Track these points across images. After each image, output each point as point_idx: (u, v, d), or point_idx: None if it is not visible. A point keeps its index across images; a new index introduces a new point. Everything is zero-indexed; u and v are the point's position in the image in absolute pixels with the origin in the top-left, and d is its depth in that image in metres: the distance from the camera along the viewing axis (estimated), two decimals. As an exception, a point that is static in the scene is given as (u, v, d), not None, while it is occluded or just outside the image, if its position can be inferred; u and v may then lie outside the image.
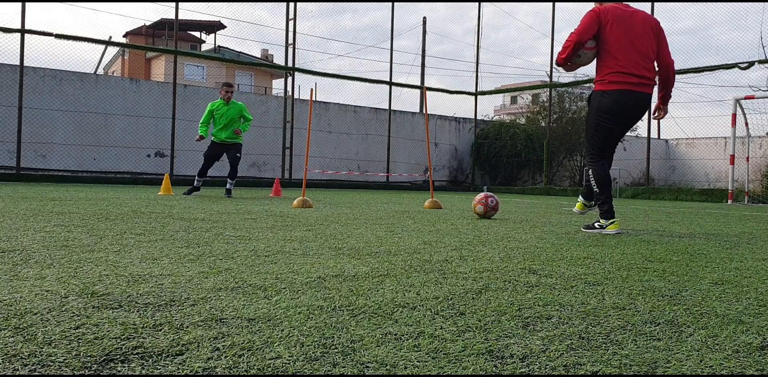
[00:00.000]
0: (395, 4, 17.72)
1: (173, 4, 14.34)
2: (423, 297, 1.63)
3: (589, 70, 22.32)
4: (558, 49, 4.46)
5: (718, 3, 17.76)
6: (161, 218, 4.01)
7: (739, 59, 14.06)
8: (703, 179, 22.18)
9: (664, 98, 4.21)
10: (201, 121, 8.38)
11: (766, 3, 15.05)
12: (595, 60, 4.08)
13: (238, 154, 8.50)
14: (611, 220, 3.98)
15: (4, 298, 1.46)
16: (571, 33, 3.97)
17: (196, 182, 8.64)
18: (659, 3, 15.29)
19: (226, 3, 23.34)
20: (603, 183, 4.06)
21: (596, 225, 4.04)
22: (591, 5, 4.21)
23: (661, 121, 24.80)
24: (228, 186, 8.50)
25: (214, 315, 1.36)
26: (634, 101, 3.96)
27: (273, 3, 20.82)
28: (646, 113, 4.23)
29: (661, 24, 4.09)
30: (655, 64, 4.07)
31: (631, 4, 4.29)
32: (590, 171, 4.10)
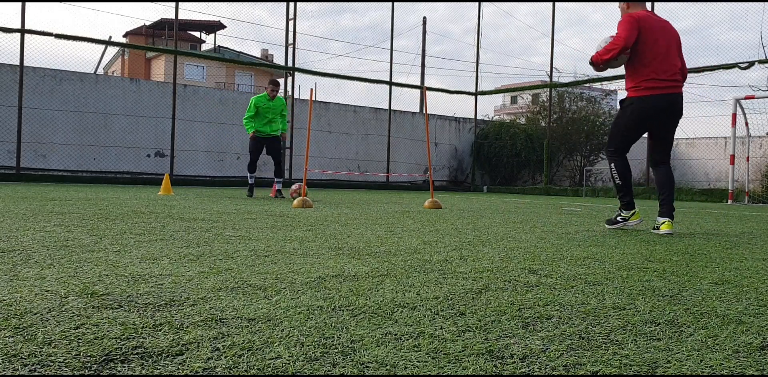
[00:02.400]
0: (395, 3, 17.73)
1: (173, 3, 14.34)
2: (423, 297, 1.63)
3: (589, 70, 22.28)
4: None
5: (718, 3, 17.77)
6: (161, 218, 4.01)
7: (739, 59, 14.06)
8: (703, 179, 22.17)
9: None
10: (247, 116, 8.32)
11: (766, 3, 15.05)
12: (625, 66, 4.24)
13: (281, 150, 8.30)
14: (632, 211, 4.32)
15: (4, 298, 1.46)
16: (617, 36, 4.09)
17: (250, 179, 8.65)
18: (659, 3, 15.29)
19: (225, 3, 23.35)
20: (626, 175, 4.36)
21: (618, 218, 4.36)
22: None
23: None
24: (277, 186, 8.55)
25: (214, 315, 1.36)
26: (667, 101, 4.15)
27: (273, 3, 20.81)
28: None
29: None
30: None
31: None
32: (612, 165, 4.39)
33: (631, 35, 4.05)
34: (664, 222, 4.08)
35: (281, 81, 13.82)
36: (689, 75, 15.05)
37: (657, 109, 4.15)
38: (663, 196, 4.25)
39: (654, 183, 4.90)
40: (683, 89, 4.29)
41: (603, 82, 18.28)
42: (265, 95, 8.35)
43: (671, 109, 4.17)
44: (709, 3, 18.23)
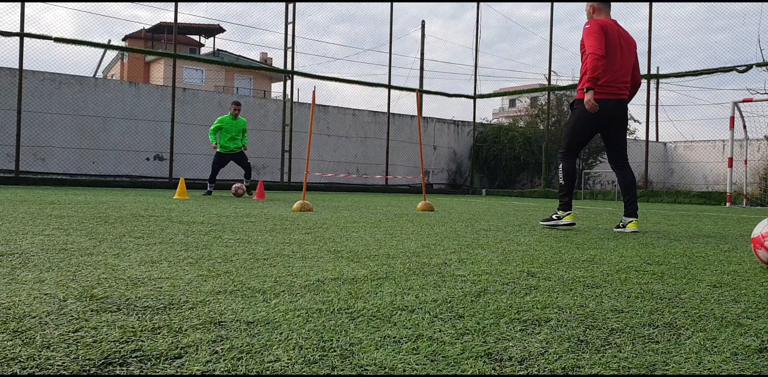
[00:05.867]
0: (394, 4, 17.76)
1: (172, 4, 14.36)
2: (422, 300, 1.63)
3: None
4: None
5: (718, 3, 17.81)
6: (160, 221, 4.00)
7: (737, 62, 14.09)
8: (701, 182, 22.19)
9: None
10: (211, 130, 9.83)
11: (764, 4, 15.09)
12: (581, 68, 4.43)
13: (248, 160, 10.13)
14: (567, 212, 4.46)
15: (2, 302, 1.46)
16: (589, 51, 4.25)
17: (209, 187, 9.95)
18: (658, 3, 15.33)
19: (225, 6, 23.37)
20: (571, 177, 4.54)
21: (553, 217, 4.50)
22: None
23: (659, 123, 24.81)
24: (246, 183, 9.90)
25: (213, 318, 1.36)
26: (612, 104, 4.37)
27: (273, 3, 20.80)
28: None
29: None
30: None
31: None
32: (561, 165, 4.56)
33: (600, 45, 4.25)
34: (630, 222, 4.33)
35: (280, 84, 13.81)
36: (687, 78, 15.10)
37: (604, 112, 4.35)
38: (628, 197, 4.47)
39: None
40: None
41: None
42: (230, 115, 9.80)
43: (616, 113, 4.39)
44: (708, 3, 18.28)
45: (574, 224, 4.43)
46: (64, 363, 1.02)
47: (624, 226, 4.33)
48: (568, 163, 4.54)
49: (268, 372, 1.01)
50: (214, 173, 9.94)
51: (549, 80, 18.37)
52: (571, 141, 4.52)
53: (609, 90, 4.33)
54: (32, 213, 4.29)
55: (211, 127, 9.83)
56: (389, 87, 17.86)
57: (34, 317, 1.32)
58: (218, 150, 9.83)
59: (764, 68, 14.21)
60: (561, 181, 4.54)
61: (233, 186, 9.45)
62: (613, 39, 4.32)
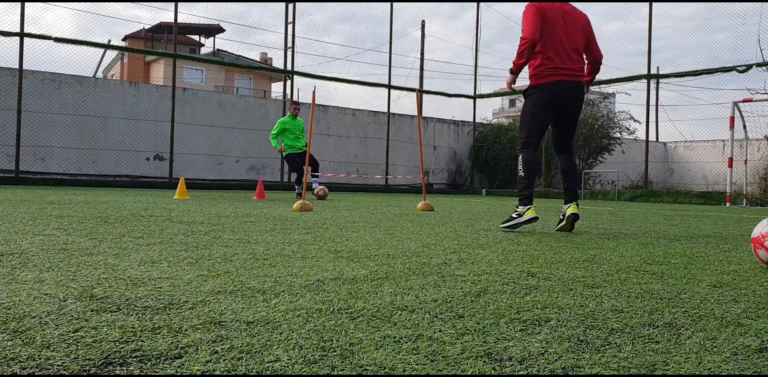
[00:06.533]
0: (394, 4, 17.76)
1: (172, 4, 14.36)
2: (422, 300, 1.63)
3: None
4: None
5: (718, 3, 17.81)
6: (160, 221, 4.00)
7: (737, 62, 14.09)
8: (701, 182, 22.19)
9: (587, 83, 4.53)
10: (273, 134, 9.87)
11: (764, 4, 15.09)
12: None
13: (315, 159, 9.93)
14: (528, 206, 4.13)
15: (2, 301, 1.46)
16: (522, 37, 4.17)
17: (298, 189, 9.76)
18: (658, 3, 15.32)
19: (225, 6, 23.37)
20: (531, 169, 4.23)
21: (513, 215, 4.16)
22: (590, 5, 4.44)
23: (659, 123, 24.82)
24: (318, 183, 9.87)
25: (213, 318, 1.36)
26: (568, 89, 4.23)
27: (273, 3, 20.79)
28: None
29: (590, 21, 4.42)
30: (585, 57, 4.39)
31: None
32: (520, 156, 4.31)
33: (535, 30, 4.11)
34: (569, 206, 4.15)
35: (280, 84, 13.86)
36: (687, 78, 15.08)
37: (556, 96, 4.21)
38: (567, 183, 4.32)
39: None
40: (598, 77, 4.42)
41: (601, 85, 18.30)
42: (290, 116, 9.86)
43: (570, 95, 4.23)
44: (708, 3, 18.28)
45: (536, 218, 4.07)
46: (64, 363, 1.02)
47: (564, 214, 4.13)
48: (528, 153, 4.25)
49: (268, 372, 1.01)
50: (300, 174, 9.61)
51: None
52: (530, 129, 4.28)
53: (562, 72, 4.17)
54: (32, 213, 4.29)
55: (273, 131, 9.80)
56: (389, 87, 17.86)
57: (34, 317, 1.32)
58: (287, 151, 9.81)
59: (764, 68, 14.22)
60: (521, 173, 4.22)
61: (315, 189, 9.42)
62: (555, 20, 4.17)
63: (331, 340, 1.20)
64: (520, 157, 4.29)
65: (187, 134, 14.91)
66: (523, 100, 4.46)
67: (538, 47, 4.16)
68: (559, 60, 4.17)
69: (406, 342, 1.21)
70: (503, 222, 4.20)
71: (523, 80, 4.59)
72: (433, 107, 72.81)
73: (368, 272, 2.09)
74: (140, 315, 1.36)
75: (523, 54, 4.15)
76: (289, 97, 16.84)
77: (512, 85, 4.34)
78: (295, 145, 9.81)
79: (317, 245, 2.89)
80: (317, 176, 9.86)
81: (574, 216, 4.09)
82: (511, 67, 4.28)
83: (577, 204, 4.21)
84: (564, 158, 4.42)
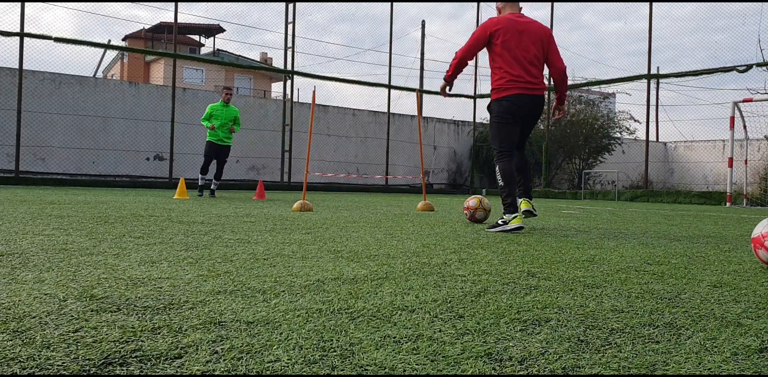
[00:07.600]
0: (394, 4, 17.76)
1: (172, 4, 14.36)
2: (422, 300, 1.63)
3: (590, 73, 22.35)
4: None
5: (718, 3, 17.81)
6: (160, 221, 4.00)
7: (737, 62, 14.09)
8: (701, 182, 22.19)
9: (560, 99, 4.67)
10: (202, 119, 9.37)
11: (764, 4, 15.09)
12: (490, 70, 4.48)
13: (226, 159, 9.64)
14: (513, 215, 4.12)
15: (2, 302, 1.46)
16: (457, 52, 4.41)
17: (201, 181, 9.58)
18: (658, 3, 15.32)
19: (225, 6, 23.37)
20: (509, 178, 4.29)
21: (499, 222, 4.15)
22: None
23: (659, 123, 24.84)
24: (213, 187, 9.64)
25: (213, 318, 1.36)
26: (528, 101, 4.32)
27: (273, 3, 20.79)
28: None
29: (552, 33, 4.58)
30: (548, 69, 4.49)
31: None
32: (497, 167, 4.37)
33: (472, 49, 4.34)
34: (522, 201, 4.34)
35: (280, 84, 13.84)
36: (687, 78, 15.08)
37: (518, 108, 4.32)
38: (521, 179, 4.46)
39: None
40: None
41: (601, 86, 18.31)
42: (221, 102, 9.32)
43: (531, 107, 4.35)
44: (707, 3, 18.27)
45: (522, 228, 4.03)
46: (64, 363, 1.02)
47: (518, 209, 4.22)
48: (504, 163, 4.31)
49: (268, 372, 1.01)
50: (205, 164, 9.47)
51: (549, 80, 18.36)
52: (502, 140, 4.36)
53: (522, 84, 4.27)
54: (32, 213, 4.29)
55: (203, 117, 9.28)
56: (389, 87, 17.85)
57: (34, 317, 1.32)
58: (209, 138, 9.29)
59: (764, 68, 14.22)
60: (500, 182, 4.28)
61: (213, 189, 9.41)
62: (510, 35, 4.24)
63: (331, 340, 1.20)
64: (497, 168, 4.34)
65: (187, 134, 14.90)
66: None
67: (497, 63, 4.33)
68: (518, 73, 4.28)
69: (406, 342, 1.20)
70: (489, 227, 4.19)
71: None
72: (433, 107, 72.75)
73: (368, 272, 2.09)
74: (140, 315, 1.36)
75: (450, 69, 4.47)
76: (289, 96, 16.84)
77: (446, 91, 4.68)
78: (217, 134, 9.21)
79: (317, 245, 2.88)
80: (216, 185, 9.70)
81: (527, 213, 4.31)
82: (445, 75, 4.55)
83: (530, 201, 4.43)
84: (517, 156, 4.56)
